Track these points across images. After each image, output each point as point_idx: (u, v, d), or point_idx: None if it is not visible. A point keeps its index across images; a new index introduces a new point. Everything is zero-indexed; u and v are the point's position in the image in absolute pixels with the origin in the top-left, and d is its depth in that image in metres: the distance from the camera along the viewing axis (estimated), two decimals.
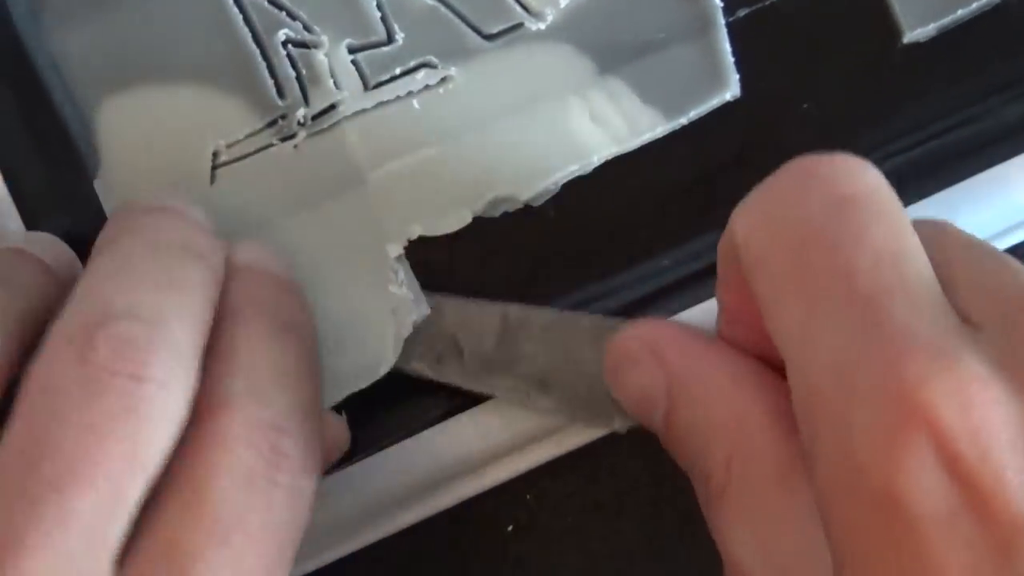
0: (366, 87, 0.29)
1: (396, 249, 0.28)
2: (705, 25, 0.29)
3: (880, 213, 0.21)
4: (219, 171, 0.29)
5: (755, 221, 0.22)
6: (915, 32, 0.29)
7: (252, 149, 0.29)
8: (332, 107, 0.29)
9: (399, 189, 0.29)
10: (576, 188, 0.29)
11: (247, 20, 0.29)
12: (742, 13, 0.29)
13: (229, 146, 0.29)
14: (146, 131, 0.29)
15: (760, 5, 0.29)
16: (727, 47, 0.29)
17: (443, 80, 0.29)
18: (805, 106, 0.29)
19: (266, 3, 0.29)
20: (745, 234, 0.23)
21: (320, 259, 0.28)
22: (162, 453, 0.22)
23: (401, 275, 0.28)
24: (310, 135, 0.29)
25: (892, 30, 0.29)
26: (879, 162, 0.27)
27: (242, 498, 0.23)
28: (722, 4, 0.29)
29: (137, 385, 0.22)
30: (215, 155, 0.29)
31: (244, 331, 0.25)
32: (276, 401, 0.24)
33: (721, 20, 0.29)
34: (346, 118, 0.29)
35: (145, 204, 0.26)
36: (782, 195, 0.22)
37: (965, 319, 0.21)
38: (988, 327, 0.20)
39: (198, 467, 0.23)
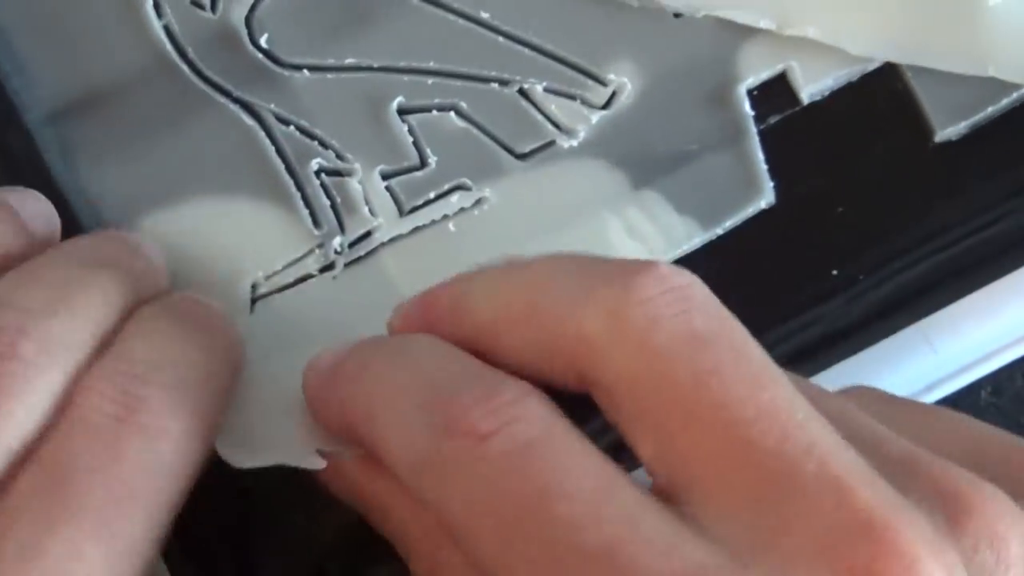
0: (401, 213, 0.29)
1: None
2: (737, 134, 0.29)
3: (567, 453, 0.21)
4: (258, 302, 0.29)
5: (424, 475, 0.22)
6: (946, 131, 0.29)
7: (291, 280, 0.29)
8: (368, 234, 0.29)
9: None
10: None
11: (279, 151, 0.29)
12: (773, 120, 0.29)
13: (268, 277, 0.29)
14: (181, 260, 0.29)
15: (791, 111, 0.29)
16: (760, 155, 0.29)
17: (478, 202, 0.29)
18: (840, 210, 0.29)
19: (298, 133, 0.29)
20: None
21: None
22: (22, 428, 0.23)
23: None
24: (348, 264, 0.29)
25: (923, 129, 0.29)
26: (914, 264, 0.28)
27: (89, 451, 0.23)
28: (753, 112, 0.29)
29: (4, 364, 0.23)
30: (254, 287, 0.29)
31: (141, 322, 0.25)
32: (143, 360, 0.24)
33: (753, 128, 0.29)
34: (383, 244, 0.29)
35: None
36: None
37: (707, 501, 0.21)
38: (734, 515, 0.21)
39: (52, 431, 0.23)
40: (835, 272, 0.29)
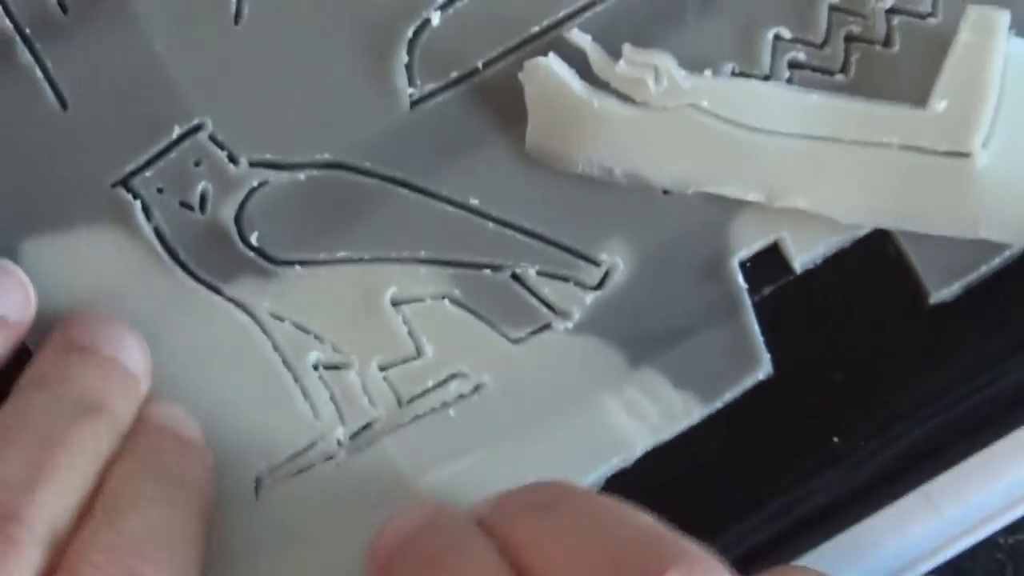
0: (400, 403, 0.29)
1: None
2: (732, 306, 0.29)
3: None
4: (263, 491, 0.29)
5: None
6: (941, 292, 0.29)
7: (294, 471, 0.29)
8: (369, 425, 0.29)
9: (445, 494, 0.29)
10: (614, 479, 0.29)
11: (275, 346, 0.29)
12: (767, 290, 0.29)
13: (272, 471, 0.29)
14: None
15: (784, 281, 0.29)
16: (756, 327, 0.29)
17: (476, 388, 0.29)
18: (838, 377, 0.29)
19: (292, 328, 0.29)
20: None
21: None
22: None
23: None
24: (351, 454, 0.29)
25: (918, 292, 0.29)
26: (916, 427, 0.28)
27: None
28: (747, 284, 0.29)
29: None
30: (258, 480, 0.29)
31: (126, 484, 0.26)
32: (137, 532, 0.25)
33: (747, 300, 0.29)
34: (384, 433, 0.29)
35: (80, 333, 0.28)
36: None
37: None
38: None
39: None
40: (836, 440, 0.29)
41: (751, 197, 0.29)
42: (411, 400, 0.29)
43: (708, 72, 0.29)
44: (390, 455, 0.29)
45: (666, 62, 0.29)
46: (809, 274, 0.30)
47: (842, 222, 0.29)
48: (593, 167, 0.29)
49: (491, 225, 0.29)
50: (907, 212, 0.29)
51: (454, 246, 0.29)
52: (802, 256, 0.29)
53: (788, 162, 0.29)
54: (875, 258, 0.30)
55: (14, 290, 0.28)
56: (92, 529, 0.25)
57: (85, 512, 0.26)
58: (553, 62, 0.29)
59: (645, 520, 0.24)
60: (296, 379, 0.29)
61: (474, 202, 0.29)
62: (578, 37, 0.29)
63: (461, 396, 0.29)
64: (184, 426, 0.28)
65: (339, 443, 0.29)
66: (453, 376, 0.29)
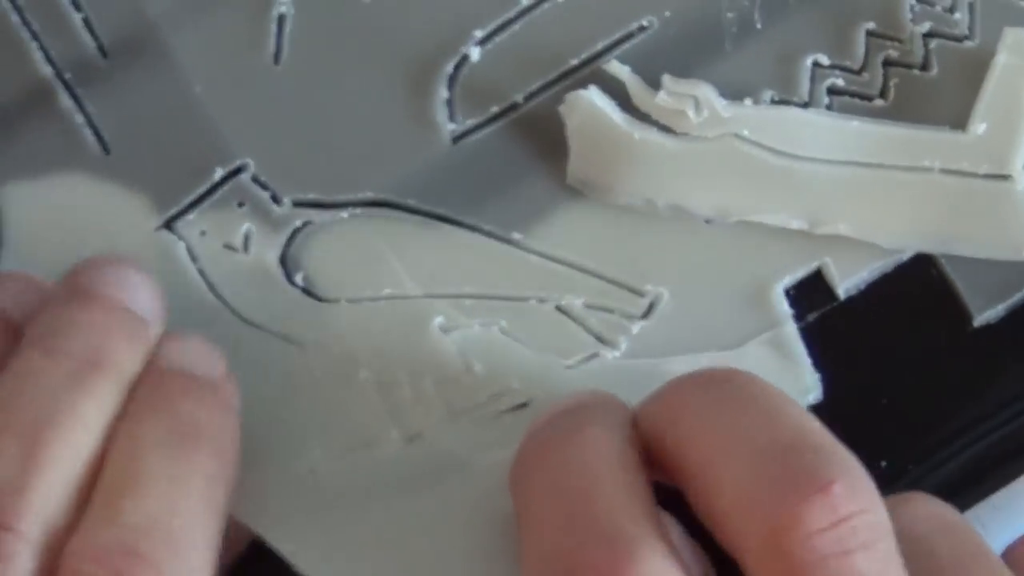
0: (451, 414, 0.29)
1: None
2: (778, 333, 0.29)
3: None
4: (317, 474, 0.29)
5: None
6: (984, 314, 0.29)
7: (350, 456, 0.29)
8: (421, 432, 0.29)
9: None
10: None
11: (324, 370, 0.29)
12: (812, 317, 0.29)
13: (327, 459, 0.29)
14: None
15: (829, 307, 0.29)
16: (804, 353, 0.29)
17: (528, 403, 0.29)
18: (885, 401, 0.29)
19: (342, 354, 0.29)
20: None
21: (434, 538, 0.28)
22: None
23: None
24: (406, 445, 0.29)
25: (962, 315, 0.29)
26: (964, 450, 0.28)
27: None
28: (792, 311, 0.29)
29: None
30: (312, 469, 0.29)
31: (129, 454, 0.25)
32: (130, 519, 0.24)
33: (794, 327, 0.29)
34: (439, 433, 0.29)
35: (82, 279, 0.26)
36: None
37: None
38: None
39: None
40: (884, 464, 0.29)
41: (794, 225, 0.29)
42: (462, 412, 0.29)
43: (748, 101, 0.29)
44: (445, 445, 0.29)
45: (706, 92, 0.29)
46: (853, 300, 0.30)
47: (884, 247, 0.29)
48: (635, 198, 0.29)
49: (534, 258, 0.29)
50: (949, 235, 0.29)
51: (498, 280, 0.29)
52: (846, 282, 0.29)
53: (829, 188, 0.29)
54: (918, 282, 0.30)
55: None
56: (88, 524, 0.24)
57: (85, 493, 0.24)
58: (593, 94, 0.29)
59: (817, 424, 0.24)
60: (347, 395, 0.29)
61: (517, 236, 0.29)
62: (617, 68, 0.29)
63: (513, 408, 0.29)
64: (198, 362, 0.27)
65: (393, 441, 0.29)
66: (504, 392, 0.29)
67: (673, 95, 0.29)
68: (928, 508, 0.26)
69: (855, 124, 0.29)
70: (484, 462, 0.29)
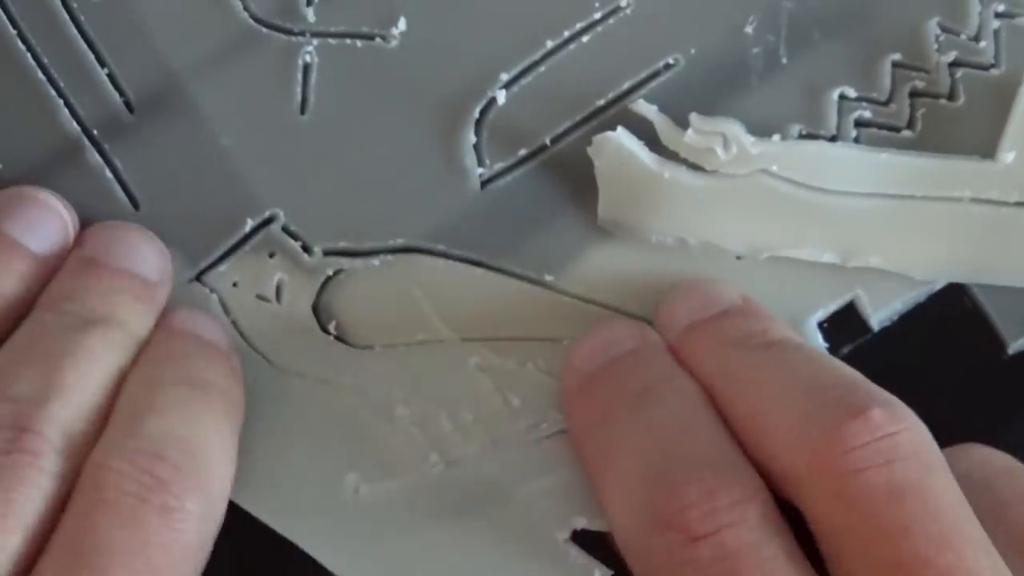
0: (492, 442, 0.29)
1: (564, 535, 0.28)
2: None
3: (773, 569, 0.22)
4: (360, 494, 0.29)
5: (634, 553, 0.24)
6: (1018, 342, 0.29)
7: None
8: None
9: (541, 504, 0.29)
10: None
11: (360, 409, 0.29)
12: (846, 349, 0.29)
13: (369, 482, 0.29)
14: None
15: (863, 339, 0.29)
16: None
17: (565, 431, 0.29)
18: None
19: (378, 394, 0.29)
20: None
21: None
22: (37, 512, 0.23)
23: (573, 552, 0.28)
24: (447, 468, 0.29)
25: (996, 343, 0.30)
26: None
27: (110, 531, 0.23)
28: (827, 345, 0.29)
29: (7, 457, 0.23)
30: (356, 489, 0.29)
31: (145, 389, 0.26)
32: (157, 436, 0.24)
33: None
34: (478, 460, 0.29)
35: (92, 246, 0.28)
36: None
37: None
38: None
39: (69, 513, 0.23)
40: None
41: (825, 258, 0.29)
42: (502, 439, 0.29)
43: (776, 136, 0.29)
44: (486, 472, 0.29)
45: (734, 129, 0.29)
46: (887, 331, 0.30)
47: (917, 278, 0.29)
48: (666, 237, 0.29)
49: (567, 300, 0.29)
50: (981, 264, 0.29)
51: (532, 322, 0.29)
52: (879, 313, 0.29)
53: (860, 221, 0.29)
54: (951, 312, 0.30)
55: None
56: (111, 435, 0.25)
57: (103, 422, 0.25)
58: (622, 135, 0.29)
59: (849, 368, 0.25)
60: (385, 428, 0.29)
61: (549, 279, 0.29)
62: (644, 108, 0.29)
63: (553, 434, 0.29)
64: (207, 329, 0.28)
65: (434, 464, 0.29)
66: (543, 420, 0.29)
67: (701, 133, 0.29)
68: (986, 454, 0.27)
69: (884, 156, 0.29)
70: (526, 490, 0.29)
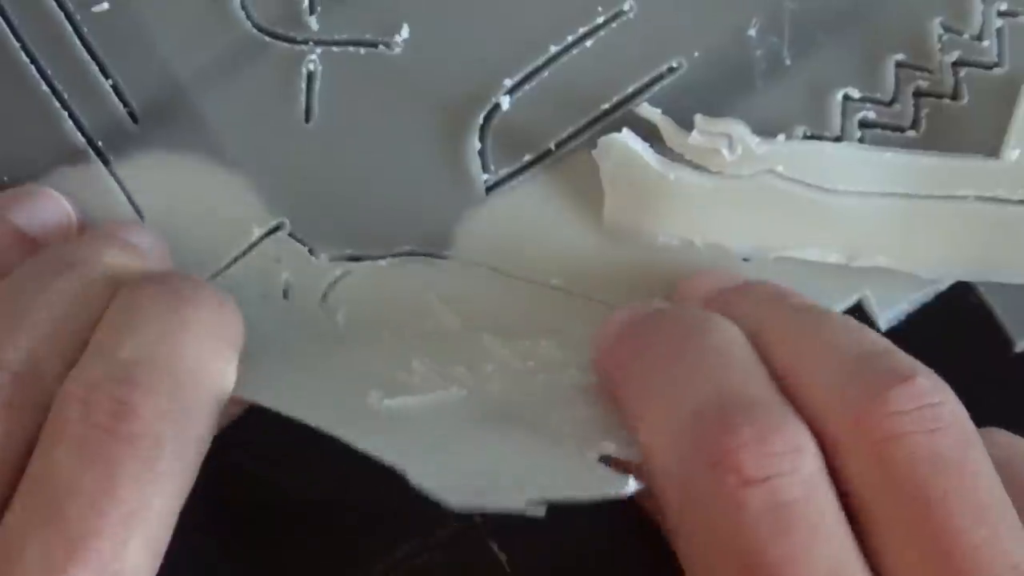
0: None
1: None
2: None
3: (819, 527, 0.22)
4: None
5: (677, 490, 0.23)
6: None
7: None
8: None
9: None
10: None
11: None
12: None
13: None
14: None
15: None
16: None
17: None
18: None
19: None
20: (663, 477, 0.23)
21: None
22: (6, 449, 0.22)
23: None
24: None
25: (1003, 341, 0.30)
26: None
27: (74, 469, 0.22)
28: None
29: None
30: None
31: (121, 312, 0.25)
32: (128, 359, 0.23)
33: None
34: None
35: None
36: (710, 470, 0.22)
37: None
38: None
39: (36, 450, 0.22)
40: None
41: (832, 259, 0.29)
42: (521, 383, 0.28)
43: (781, 137, 0.29)
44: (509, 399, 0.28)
45: (739, 130, 0.29)
46: (895, 331, 0.30)
47: (923, 277, 0.29)
48: (673, 239, 0.29)
49: (576, 302, 0.29)
50: (987, 263, 0.29)
51: (539, 325, 0.29)
52: (886, 313, 0.30)
53: (866, 221, 0.29)
54: (958, 310, 0.30)
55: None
56: (85, 361, 0.23)
57: (81, 340, 0.24)
58: (627, 137, 0.29)
59: (885, 339, 0.25)
60: (403, 376, 0.28)
61: (556, 282, 0.29)
62: (648, 111, 0.29)
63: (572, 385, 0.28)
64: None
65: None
66: (561, 376, 0.28)
67: (706, 134, 0.29)
68: (1010, 439, 0.27)
69: (888, 156, 0.29)
70: (552, 418, 0.27)
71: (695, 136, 0.29)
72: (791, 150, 0.29)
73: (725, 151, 0.29)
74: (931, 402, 0.23)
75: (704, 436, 0.22)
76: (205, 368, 0.24)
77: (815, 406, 0.23)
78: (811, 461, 0.22)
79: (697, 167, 0.29)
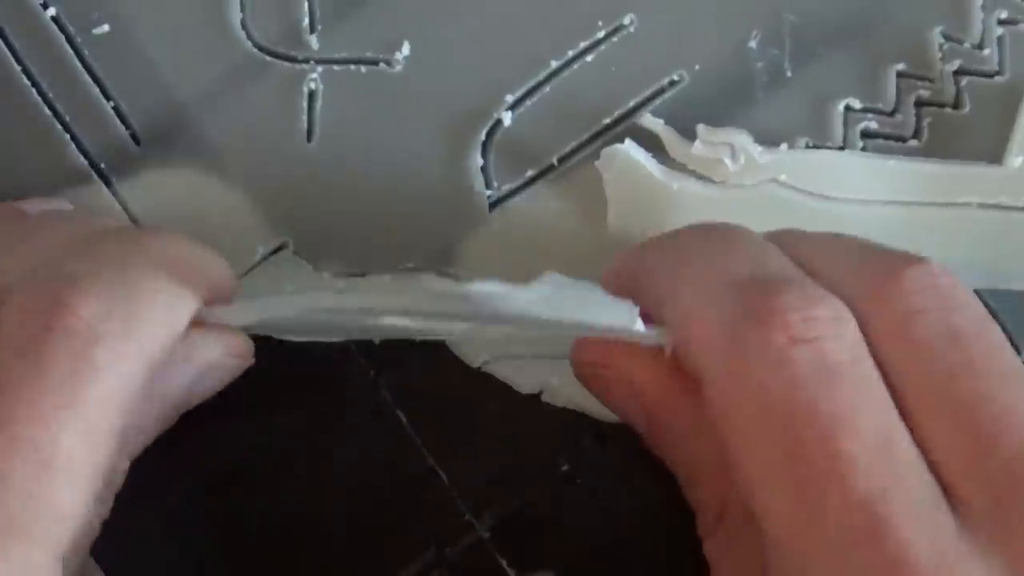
0: None
1: None
2: None
3: (866, 388, 0.22)
4: None
5: (722, 351, 0.22)
6: None
7: None
8: None
9: None
10: None
11: None
12: None
13: None
14: None
15: None
16: None
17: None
18: None
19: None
20: (707, 362, 0.23)
21: None
22: None
23: None
24: None
25: None
26: None
27: (10, 366, 0.22)
28: None
29: None
30: None
31: (81, 240, 0.25)
32: (71, 267, 0.23)
33: None
34: None
35: None
36: (762, 345, 0.22)
37: (949, 489, 0.21)
38: (976, 504, 0.21)
39: None
40: None
41: None
42: None
43: (784, 146, 0.29)
44: None
45: (741, 139, 0.29)
46: None
47: None
48: None
49: None
50: (991, 269, 0.29)
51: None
52: None
53: (869, 229, 0.29)
54: None
55: None
56: (35, 272, 0.23)
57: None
58: (630, 148, 0.29)
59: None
60: None
61: None
62: (651, 122, 0.29)
63: None
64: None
65: None
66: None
67: (708, 144, 0.29)
68: None
69: (891, 163, 0.29)
70: None
71: (698, 146, 0.29)
72: (794, 159, 0.29)
73: (728, 161, 0.29)
74: (944, 283, 0.23)
75: (750, 297, 0.22)
76: (155, 287, 0.24)
77: (839, 289, 0.23)
78: (853, 330, 0.22)
79: (700, 177, 0.29)
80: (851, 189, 0.29)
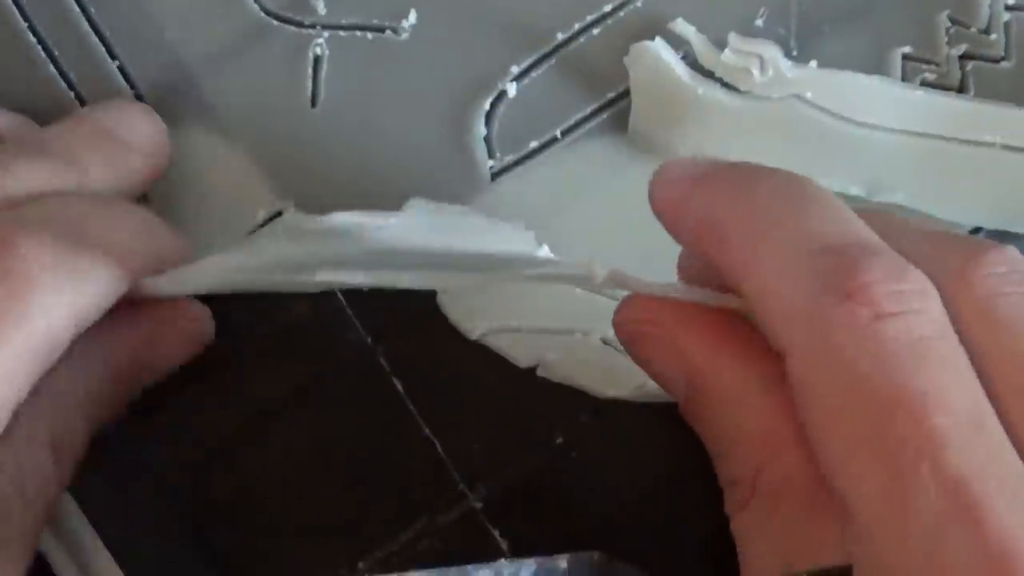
0: None
1: None
2: None
3: (955, 365, 0.21)
4: None
5: (806, 325, 0.21)
6: None
7: None
8: None
9: None
10: None
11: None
12: None
13: None
14: None
15: None
16: None
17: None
18: None
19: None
20: (799, 358, 0.22)
21: None
22: None
23: None
24: None
25: None
26: None
27: None
28: None
29: None
30: None
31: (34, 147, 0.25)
32: (34, 211, 0.23)
33: None
34: None
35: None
36: (844, 318, 0.21)
37: None
38: None
39: None
40: None
41: (852, 191, 0.29)
42: None
43: (813, 63, 0.29)
44: None
45: (772, 52, 0.29)
46: None
47: (941, 219, 0.29)
48: (692, 153, 0.29)
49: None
50: (1008, 212, 0.29)
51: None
52: None
53: (889, 156, 0.29)
54: None
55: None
56: None
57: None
58: (659, 46, 0.28)
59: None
60: None
61: None
62: (682, 27, 0.29)
63: None
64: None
65: None
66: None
67: (739, 53, 0.28)
68: None
69: (919, 94, 0.29)
70: None
71: (727, 54, 0.28)
72: (822, 77, 0.29)
73: (756, 71, 0.28)
74: (1021, 269, 0.22)
75: (834, 272, 0.21)
76: (103, 248, 0.24)
77: (920, 267, 0.22)
78: (938, 305, 0.22)
79: (727, 85, 0.29)
80: (876, 115, 0.28)
